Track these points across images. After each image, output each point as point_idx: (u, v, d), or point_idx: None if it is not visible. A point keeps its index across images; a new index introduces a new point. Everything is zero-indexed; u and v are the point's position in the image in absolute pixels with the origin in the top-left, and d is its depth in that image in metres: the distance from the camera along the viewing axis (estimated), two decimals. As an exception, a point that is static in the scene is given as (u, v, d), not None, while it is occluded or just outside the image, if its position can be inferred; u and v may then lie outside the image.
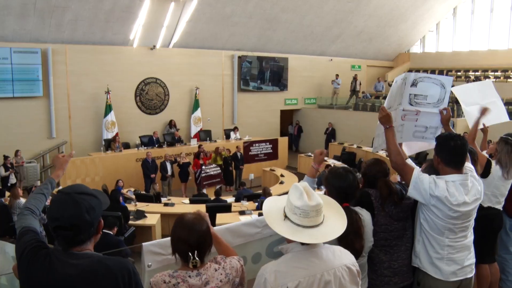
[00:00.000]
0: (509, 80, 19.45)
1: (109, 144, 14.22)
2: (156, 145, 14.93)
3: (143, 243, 2.58)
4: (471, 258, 3.01)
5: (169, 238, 2.18)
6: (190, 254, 2.04)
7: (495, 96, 5.06)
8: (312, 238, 2.09)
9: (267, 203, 2.31)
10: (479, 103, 4.80)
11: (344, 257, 2.24)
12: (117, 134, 14.76)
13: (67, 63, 14.24)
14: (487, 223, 3.90)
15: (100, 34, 14.47)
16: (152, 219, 8.99)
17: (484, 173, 4.02)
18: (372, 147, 16.20)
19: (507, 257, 4.66)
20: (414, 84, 3.53)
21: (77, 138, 14.64)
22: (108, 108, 14.59)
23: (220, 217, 8.91)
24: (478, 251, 3.16)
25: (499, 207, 4.26)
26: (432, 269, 2.94)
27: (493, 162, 4.12)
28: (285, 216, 2.14)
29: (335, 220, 2.22)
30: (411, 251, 3.06)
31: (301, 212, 2.08)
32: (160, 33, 15.59)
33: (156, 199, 10.85)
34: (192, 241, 2.05)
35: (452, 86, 3.80)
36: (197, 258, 2.04)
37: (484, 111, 4.29)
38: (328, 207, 2.25)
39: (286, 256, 2.17)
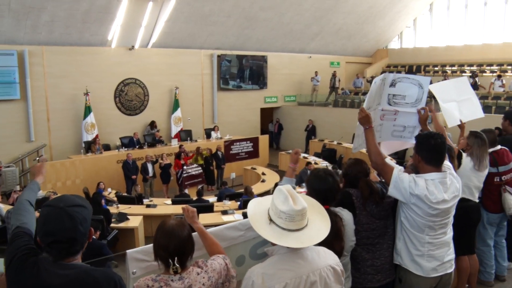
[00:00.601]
0: (484, 74, 19.76)
1: (89, 146, 14.07)
2: (137, 146, 14.84)
3: (127, 251, 2.58)
4: (450, 254, 3.09)
5: (152, 245, 2.20)
6: (170, 260, 2.07)
7: (471, 93, 5.17)
8: (298, 242, 2.12)
9: (251, 207, 2.34)
10: (455, 100, 4.92)
11: (329, 257, 2.29)
12: (97, 136, 14.61)
13: (45, 65, 14.03)
14: (466, 215, 4.01)
15: (77, 35, 14.29)
16: (134, 221, 8.93)
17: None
18: (352, 143, 16.38)
19: (485, 250, 4.81)
20: (392, 84, 3.60)
21: (56, 140, 14.45)
22: (88, 110, 14.44)
23: (202, 217, 8.91)
24: (458, 243, 3.25)
25: (474, 199, 4.38)
26: (413, 266, 3.02)
27: (464, 154, 4.24)
28: (270, 220, 2.17)
29: (319, 223, 2.26)
30: (393, 248, 3.13)
31: (287, 217, 2.11)
32: (138, 33, 15.48)
33: (138, 200, 10.78)
34: (172, 248, 2.08)
35: (430, 83, 3.88)
36: (177, 265, 2.07)
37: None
38: (311, 209, 2.28)
39: (272, 258, 2.20)
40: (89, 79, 14.79)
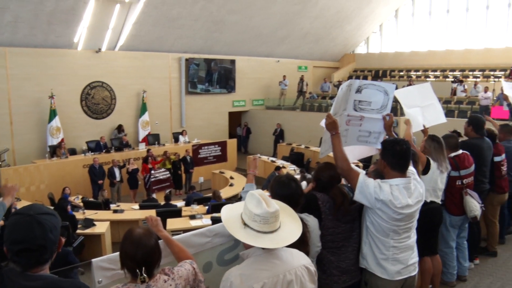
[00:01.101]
0: (447, 79, 20.30)
1: (54, 151, 13.77)
2: (104, 151, 14.63)
3: (93, 260, 2.54)
4: (414, 257, 3.17)
5: (118, 253, 2.18)
6: (137, 270, 2.05)
7: (433, 98, 5.30)
8: (273, 243, 2.18)
9: (224, 213, 2.37)
10: (419, 105, 5.04)
11: (301, 258, 2.35)
12: (62, 140, 14.35)
13: (8, 67, 13.66)
14: (429, 217, 4.12)
15: (42, 37, 13.99)
16: (101, 227, 8.78)
17: (425, 170, 4.26)
18: (319, 147, 16.49)
19: (448, 251, 4.94)
20: (359, 90, 3.64)
21: (20, 144, 14.08)
22: (53, 113, 14.15)
23: (170, 222, 8.86)
24: (421, 245, 3.32)
25: (438, 201, 4.51)
26: (378, 269, 3.07)
27: (431, 160, 4.36)
28: (245, 224, 2.21)
29: (291, 224, 2.32)
30: (358, 251, 3.18)
31: (261, 219, 2.16)
32: (105, 36, 15.29)
33: (105, 206, 10.63)
34: (139, 258, 2.06)
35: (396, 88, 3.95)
36: (144, 274, 2.05)
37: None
38: (282, 211, 2.33)
39: (248, 260, 2.25)
40: (55, 82, 14.50)
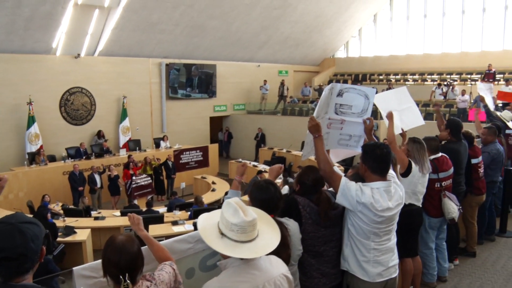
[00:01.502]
0: (425, 83, 20.60)
1: (33, 158, 13.60)
2: (84, 157, 14.48)
3: (74, 268, 2.52)
4: (395, 259, 3.21)
5: (100, 261, 2.17)
6: (121, 277, 2.04)
7: (410, 102, 5.37)
8: (252, 252, 2.12)
9: (200, 222, 2.32)
10: (396, 109, 5.10)
11: (280, 266, 2.33)
12: (41, 146, 14.16)
13: (-16, 73, 13.52)
14: (409, 219, 4.18)
15: (19, 42, 13.81)
16: (82, 235, 8.69)
17: (406, 173, 4.31)
18: (301, 151, 16.60)
19: (427, 252, 5.02)
20: (340, 94, 3.68)
21: (-3, 152, 13.91)
22: (31, 120, 13.96)
23: (152, 228, 8.83)
24: (402, 246, 3.38)
25: (418, 204, 4.57)
26: (359, 271, 3.10)
27: (413, 163, 4.42)
28: (222, 234, 2.15)
29: (269, 232, 2.27)
30: (339, 254, 3.21)
31: (239, 229, 2.10)
32: (84, 41, 15.17)
33: (85, 213, 10.51)
34: (123, 264, 2.06)
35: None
36: (128, 281, 2.04)
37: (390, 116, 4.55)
38: (260, 219, 2.28)
39: (226, 271, 2.20)
40: (33, 88, 14.32)
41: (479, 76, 19.52)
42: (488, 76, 17.28)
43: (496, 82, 18.01)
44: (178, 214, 10.12)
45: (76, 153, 14.71)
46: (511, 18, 19.73)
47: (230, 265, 2.21)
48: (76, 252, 8.45)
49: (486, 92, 8.53)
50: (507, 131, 7.31)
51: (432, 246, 5.06)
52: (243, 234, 2.12)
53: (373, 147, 3.12)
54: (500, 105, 10.28)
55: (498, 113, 7.60)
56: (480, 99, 8.19)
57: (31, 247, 1.81)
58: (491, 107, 8.13)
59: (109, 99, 16.53)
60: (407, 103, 5.28)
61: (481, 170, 5.92)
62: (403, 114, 5.13)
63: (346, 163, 13.74)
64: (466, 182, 5.68)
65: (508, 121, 7.30)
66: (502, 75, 18.49)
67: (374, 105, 3.88)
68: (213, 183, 13.73)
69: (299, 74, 24.52)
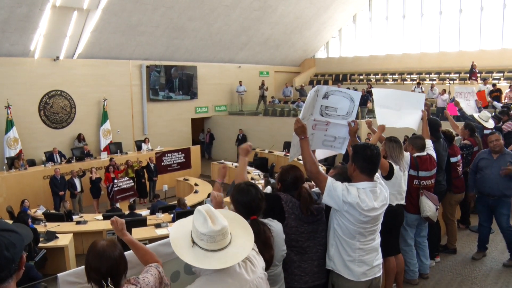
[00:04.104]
0: (405, 82, 20.85)
1: (13, 162, 13.39)
2: (61, 161, 14.30)
3: (59, 274, 2.50)
4: (379, 259, 3.26)
5: (84, 267, 2.17)
6: (103, 282, 2.04)
7: (419, 108, 5.35)
8: (221, 262, 2.09)
9: (173, 230, 2.31)
10: (393, 109, 5.15)
11: (258, 268, 2.32)
12: (20, 151, 13.96)
13: (-40, 77, 13.28)
14: (392, 217, 4.24)
15: (-4, 45, 13.65)
16: (64, 240, 8.59)
17: (388, 176, 4.38)
18: (283, 151, 16.62)
19: (407, 249, 5.10)
20: (325, 96, 3.74)
21: (-25, 157, 13.67)
22: (10, 124, 13.76)
23: (135, 231, 8.76)
24: (384, 245, 3.41)
25: (402, 202, 4.65)
26: (345, 271, 3.14)
27: (394, 165, 4.47)
28: (193, 243, 2.13)
29: (242, 238, 2.24)
30: (322, 253, 3.24)
31: (208, 238, 2.08)
32: (63, 44, 15.01)
33: (67, 217, 10.41)
34: (104, 270, 2.06)
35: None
36: (111, 286, 2.05)
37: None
38: (234, 224, 2.27)
39: (200, 280, 2.19)
40: (11, 91, 14.11)
41: (457, 75, 19.85)
42: (473, 74, 17.57)
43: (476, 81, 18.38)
44: (161, 216, 10.08)
45: (49, 157, 14.46)
46: (487, 18, 20.10)
47: (203, 273, 2.19)
48: (58, 257, 8.36)
49: (467, 95, 8.67)
50: (485, 132, 7.44)
51: (411, 243, 5.14)
52: (213, 243, 2.09)
53: (363, 147, 3.16)
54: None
55: (476, 115, 7.73)
56: (455, 103, 8.33)
57: (5, 256, 1.78)
58: (471, 111, 8.28)
59: (89, 102, 16.38)
60: (414, 108, 5.29)
61: (460, 169, 6.04)
62: (404, 113, 5.18)
63: (328, 163, 13.86)
64: (447, 181, 5.79)
65: (486, 121, 7.45)
66: (479, 74, 18.80)
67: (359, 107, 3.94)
68: (196, 184, 13.70)
69: (280, 75, 24.61)
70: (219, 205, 2.81)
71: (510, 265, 5.75)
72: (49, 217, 10.27)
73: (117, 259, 2.12)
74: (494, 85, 16.18)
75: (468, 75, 19.18)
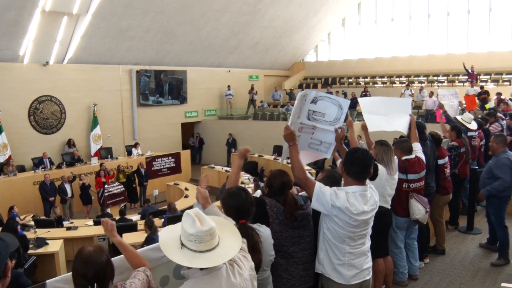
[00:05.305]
0: (394, 85, 21.00)
1: (2, 168, 13.30)
2: (51, 167, 14.25)
3: (47, 281, 2.49)
4: (368, 262, 3.28)
5: (71, 273, 2.17)
6: (90, 287, 2.06)
7: (407, 112, 5.43)
8: (209, 261, 2.11)
9: (162, 234, 2.34)
10: (382, 114, 5.21)
11: (244, 271, 2.34)
12: (10, 157, 13.88)
13: None
14: (379, 220, 4.28)
15: (-16, 50, 13.56)
16: (54, 246, 8.54)
17: (373, 177, 4.42)
18: (273, 154, 16.65)
19: (397, 252, 5.14)
20: (314, 101, 3.77)
21: (-36, 163, 13.54)
22: (-2, 130, 13.72)
23: (126, 236, 8.75)
24: (373, 247, 3.43)
25: (387, 206, 4.69)
26: (335, 274, 3.16)
27: (380, 166, 4.52)
28: (182, 245, 2.16)
29: (230, 240, 2.27)
30: (308, 257, 3.25)
31: (196, 238, 2.11)
32: (53, 49, 14.97)
33: (57, 223, 10.36)
34: (91, 275, 2.07)
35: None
36: None
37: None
38: (222, 228, 2.30)
39: (188, 283, 2.21)
40: (0, 96, 14.05)
41: (445, 78, 20.05)
42: (472, 77, 17.74)
43: (462, 84, 18.59)
44: (152, 221, 10.07)
45: (39, 162, 14.38)
46: (474, 21, 20.32)
47: (192, 275, 2.22)
48: (48, 264, 8.32)
49: (451, 97, 8.79)
50: (469, 133, 7.54)
51: (401, 245, 5.18)
52: (202, 243, 2.12)
53: (354, 151, 3.17)
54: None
55: (459, 117, 7.83)
56: (439, 106, 8.43)
57: None
58: (454, 113, 8.40)
59: (79, 107, 16.33)
60: (401, 113, 5.36)
61: (448, 171, 6.11)
62: (392, 117, 5.24)
63: (318, 166, 13.92)
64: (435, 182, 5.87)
65: (469, 123, 7.55)
66: (466, 77, 18.98)
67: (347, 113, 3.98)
68: (186, 189, 13.69)
69: (269, 79, 24.67)
70: (206, 200, 2.82)
71: (498, 264, 5.82)
72: (39, 223, 10.21)
73: (104, 264, 2.13)
74: (482, 87, 16.36)
75: (456, 77, 19.43)
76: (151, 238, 7.73)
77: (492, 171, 5.85)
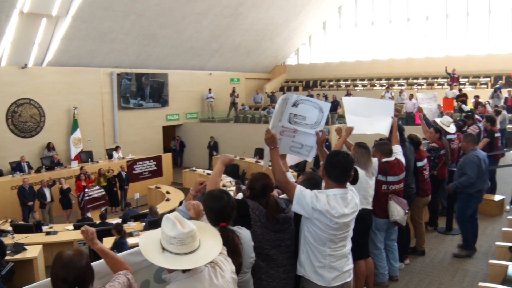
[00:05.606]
0: (374, 88, 21.21)
1: (-21, 173, 13.13)
2: (27, 171, 14.04)
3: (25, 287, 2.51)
4: (349, 264, 3.30)
5: (49, 279, 2.16)
6: None
7: (389, 115, 5.47)
8: (192, 263, 2.12)
9: (142, 238, 2.34)
10: (364, 116, 5.26)
11: (226, 273, 2.36)
12: (-13, 161, 13.69)
13: None
14: (360, 222, 4.31)
15: (-41, 53, 13.34)
16: (33, 252, 8.38)
17: (354, 180, 4.45)
18: (254, 157, 16.67)
19: (376, 253, 5.18)
20: (295, 104, 3.80)
21: None
22: (-24, 134, 13.49)
23: (107, 241, 8.63)
24: (354, 249, 3.44)
25: (369, 207, 4.73)
26: (315, 277, 3.17)
27: (359, 169, 4.56)
28: (163, 249, 2.16)
29: (210, 242, 2.28)
30: (288, 260, 3.26)
31: (178, 241, 2.11)
32: (31, 51, 14.78)
33: (36, 228, 10.18)
34: (71, 279, 2.05)
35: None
36: None
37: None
38: (202, 231, 2.31)
39: (170, 286, 2.21)
40: (-24, 100, 13.84)
41: (424, 80, 20.33)
42: (452, 79, 17.99)
43: (441, 87, 18.85)
44: (133, 225, 10.02)
45: (17, 166, 14.19)
46: (453, 25, 20.68)
47: (174, 279, 2.22)
48: (27, 270, 8.15)
49: (429, 101, 8.92)
50: (448, 137, 7.65)
51: (380, 247, 5.22)
52: (183, 246, 2.13)
53: (335, 154, 3.19)
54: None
55: (438, 120, 7.95)
56: (418, 109, 8.56)
57: None
58: (433, 116, 8.52)
59: (59, 110, 16.13)
60: (384, 115, 5.40)
61: (426, 173, 6.19)
62: (374, 119, 5.28)
63: (299, 169, 13.95)
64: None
65: (448, 126, 7.67)
66: (444, 80, 19.29)
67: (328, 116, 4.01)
68: (168, 192, 13.62)
69: (251, 82, 24.72)
70: (198, 214, 2.80)
71: (459, 255, 6.24)
72: (17, 229, 10.01)
73: (84, 268, 2.12)
74: (460, 90, 16.62)
75: (435, 80, 19.72)
76: (121, 243, 7.70)
77: (461, 168, 6.12)
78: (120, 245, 7.41)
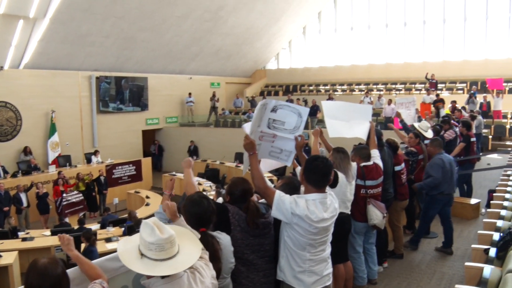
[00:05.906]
0: (353, 93, 21.41)
1: (-47, 177, 12.84)
2: (2, 175, 13.75)
3: None
4: (329, 268, 3.32)
5: (22, 287, 2.12)
6: None
7: (367, 119, 5.53)
8: (171, 269, 2.11)
9: (120, 245, 2.32)
10: (344, 120, 5.31)
11: (206, 279, 2.35)
12: (-39, 165, 13.41)
13: None
14: (339, 226, 4.34)
15: None
16: (8, 258, 8.18)
17: (333, 184, 4.48)
18: (234, 161, 16.66)
19: (355, 256, 5.22)
20: (274, 110, 3.80)
21: None
22: (-51, 138, 13.21)
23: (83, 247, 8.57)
24: (333, 253, 3.47)
25: (348, 211, 4.76)
26: (295, 281, 3.17)
27: (339, 173, 4.59)
28: (142, 255, 2.14)
29: (189, 247, 2.28)
30: (268, 265, 3.27)
31: (156, 247, 2.10)
32: (8, 53, 14.58)
33: (12, 234, 9.99)
34: None
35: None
36: None
37: None
38: (181, 236, 2.30)
39: None
40: (-50, 103, 13.57)
41: (402, 86, 20.61)
42: (431, 85, 18.26)
43: (419, 92, 19.12)
44: (112, 230, 9.91)
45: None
46: (430, 32, 21.05)
47: (152, 285, 2.21)
48: (2, 277, 7.97)
49: (408, 105, 9.04)
50: (426, 141, 7.76)
51: (359, 250, 5.26)
52: (162, 252, 2.12)
53: (313, 159, 3.20)
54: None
55: (416, 125, 8.07)
56: (397, 114, 8.67)
57: None
58: (411, 121, 8.64)
59: (36, 114, 15.90)
60: (362, 119, 5.46)
61: (404, 177, 6.28)
62: (353, 123, 5.34)
63: (279, 173, 13.99)
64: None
65: (426, 131, 7.79)
66: (422, 86, 19.59)
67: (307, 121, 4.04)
68: (147, 197, 13.54)
69: (231, 86, 24.75)
70: (174, 214, 2.76)
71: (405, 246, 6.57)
72: (-9, 235, 9.84)
73: (60, 276, 2.09)
74: (437, 95, 16.89)
75: (413, 85, 20.01)
76: (89, 250, 7.61)
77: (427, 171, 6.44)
78: (88, 253, 7.29)
